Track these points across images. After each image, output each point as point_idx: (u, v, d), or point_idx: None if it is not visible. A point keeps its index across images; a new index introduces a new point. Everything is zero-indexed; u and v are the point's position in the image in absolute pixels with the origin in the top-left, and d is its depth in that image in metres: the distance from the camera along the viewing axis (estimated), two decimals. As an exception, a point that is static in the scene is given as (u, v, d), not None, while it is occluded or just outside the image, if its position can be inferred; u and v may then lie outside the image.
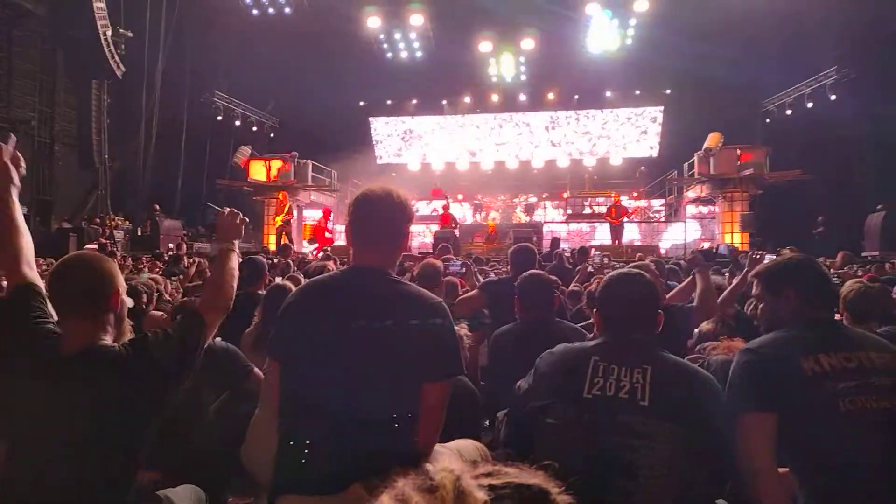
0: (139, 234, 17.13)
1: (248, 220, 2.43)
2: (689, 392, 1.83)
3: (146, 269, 8.95)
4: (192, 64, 20.26)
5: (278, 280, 4.40)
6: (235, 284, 2.15)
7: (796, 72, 18.62)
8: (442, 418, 1.83)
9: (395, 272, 1.96)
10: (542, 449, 1.94)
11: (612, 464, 1.74)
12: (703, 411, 1.80)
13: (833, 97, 17.57)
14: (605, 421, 1.79)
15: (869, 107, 15.47)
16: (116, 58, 17.13)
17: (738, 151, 17.16)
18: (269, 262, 6.55)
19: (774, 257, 2.74)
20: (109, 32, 16.71)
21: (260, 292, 4.14)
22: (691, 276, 3.76)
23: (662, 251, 16.15)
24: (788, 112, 19.45)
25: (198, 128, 21.01)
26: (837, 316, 3.19)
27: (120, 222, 17.45)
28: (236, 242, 2.27)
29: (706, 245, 16.89)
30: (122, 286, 1.94)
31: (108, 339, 1.85)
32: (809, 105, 18.54)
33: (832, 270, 8.21)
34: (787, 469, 1.84)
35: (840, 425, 1.74)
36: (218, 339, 3.33)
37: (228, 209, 2.36)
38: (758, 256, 4.25)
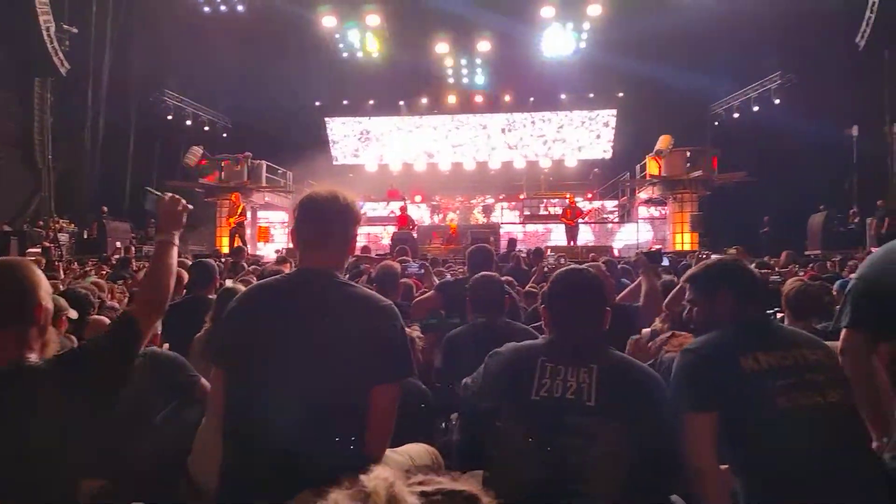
0: (85, 236, 16.55)
1: (191, 206, 2.21)
2: (636, 390, 1.85)
3: (92, 273, 8.69)
4: (140, 61, 19.61)
5: (229, 283, 4.31)
6: (173, 283, 2.00)
7: (743, 77, 19.21)
8: (392, 421, 1.81)
9: (343, 274, 1.94)
10: (494, 451, 1.94)
11: (561, 465, 1.75)
12: (649, 409, 1.82)
13: (777, 101, 18.17)
14: (552, 423, 1.79)
15: (809, 111, 16.07)
16: (60, 54, 16.48)
17: (688, 153, 17.62)
18: (220, 264, 6.41)
19: (718, 256, 2.81)
20: (53, 28, 16.10)
21: (211, 296, 4.05)
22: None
23: (616, 252, 16.42)
24: (736, 115, 20.01)
25: (147, 127, 20.42)
26: (780, 313, 3.31)
27: (65, 225, 16.82)
28: (176, 234, 2.05)
29: (658, 247, 17.24)
30: (47, 295, 1.78)
31: (33, 356, 1.71)
32: (756, 109, 19.11)
33: (776, 269, 8.49)
34: (727, 466, 1.88)
35: (778, 422, 1.79)
36: (166, 347, 3.25)
37: (170, 195, 2.11)
38: (704, 256, 4.36)
